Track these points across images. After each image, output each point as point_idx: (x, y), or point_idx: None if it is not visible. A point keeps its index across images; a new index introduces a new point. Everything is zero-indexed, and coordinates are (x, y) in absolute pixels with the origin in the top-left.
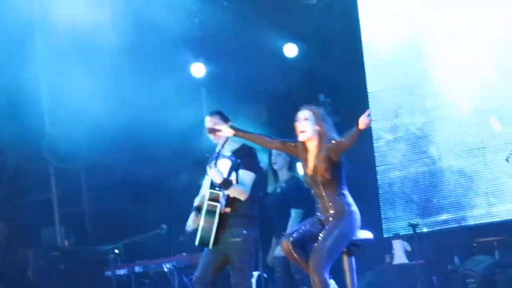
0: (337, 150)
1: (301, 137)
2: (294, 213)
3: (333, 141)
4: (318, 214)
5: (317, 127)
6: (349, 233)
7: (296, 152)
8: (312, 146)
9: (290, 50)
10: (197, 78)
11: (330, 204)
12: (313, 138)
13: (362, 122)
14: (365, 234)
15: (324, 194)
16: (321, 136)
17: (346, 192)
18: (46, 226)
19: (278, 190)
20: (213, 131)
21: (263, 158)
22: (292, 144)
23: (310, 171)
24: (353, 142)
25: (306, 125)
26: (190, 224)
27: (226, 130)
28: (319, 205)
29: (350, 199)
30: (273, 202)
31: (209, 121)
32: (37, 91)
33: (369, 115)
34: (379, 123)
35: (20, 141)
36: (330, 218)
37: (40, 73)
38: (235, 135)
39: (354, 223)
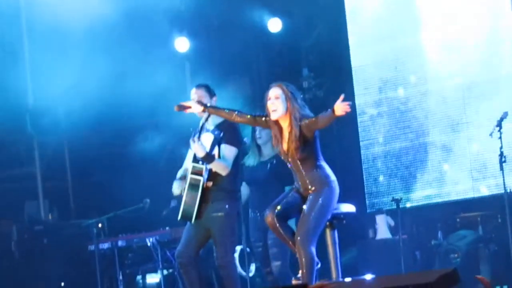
0: (310, 129)
1: (273, 116)
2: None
3: (306, 120)
4: (297, 186)
5: (288, 105)
6: (331, 204)
7: (268, 127)
8: (285, 125)
9: (274, 24)
10: (181, 53)
11: (308, 178)
12: (285, 116)
13: (339, 108)
14: (347, 208)
15: (301, 169)
16: (292, 114)
17: (323, 163)
18: (29, 199)
19: (268, 165)
20: (183, 108)
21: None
22: (263, 118)
23: (284, 149)
24: (327, 125)
25: (277, 103)
26: (175, 189)
27: (195, 107)
28: (297, 179)
29: (328, 170)
30: (260, 176)
31: (194, 94)
32: (21, 65)
33: (344, 101)
34: (362, 97)
35: (3, 115)
36: (310, 191)
37: (24, 48)
38: (204, 111)
39: (334, 193)
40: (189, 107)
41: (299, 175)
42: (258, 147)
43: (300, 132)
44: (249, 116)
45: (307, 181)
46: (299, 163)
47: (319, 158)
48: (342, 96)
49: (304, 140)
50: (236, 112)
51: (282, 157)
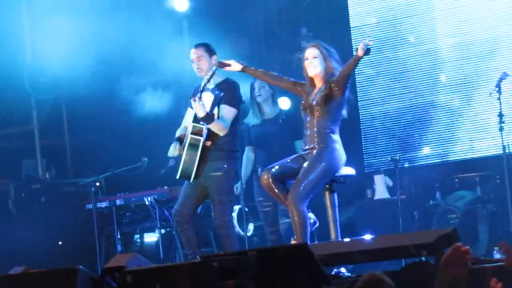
0: (339, 82)
1: (310, 72)
2: (298, 144)
3: (334, 77)
4: (303, 147)
5: (326, 64)
6: (331, 169)
7: (303, 92)
8: (317, 80)
9: None
10: (179, 12)
11: (318, 135)
12: (320, 74)
13: (361, 49)
14: (347, 170)
15: (315, 124)
16: (327, 72)
17: (336, 131)
18: (27, 158)
19: (275, 123)
20: (222, 65)
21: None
22: (300, 84)
23: (310, 100)
24: (349, 68)
25: (315, 62)
26: (172, 152)
27: (234, 65)
28: (307, 136)
29: (337, 137)
30: (263, 135)
31: (193, 54)
32: (19, 24)
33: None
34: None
35: (1, 73)
36: (314, 151)
37: (22, 6)
38: (243, 69)
39: (336, 159)
40: (229, 65)
41: (310, 132)
42: (258, 105)
43: (330, 87)
44: (288, 79)
45: (316, 139)
46: (315, 118)
47: (335, 125)
48: (367, 39)
49: (332, 94)
50: (275, 74)
51: (302, 113)
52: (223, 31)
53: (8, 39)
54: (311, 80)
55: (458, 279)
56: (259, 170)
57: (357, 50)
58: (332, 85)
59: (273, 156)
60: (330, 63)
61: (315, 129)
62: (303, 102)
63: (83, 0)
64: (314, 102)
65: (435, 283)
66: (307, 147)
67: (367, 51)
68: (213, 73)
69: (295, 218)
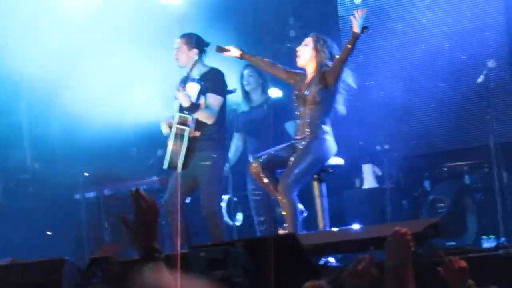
0: (334, 71)
1: (297, 62)
2: (288, 125)
3: (330, 65)
4: (294, 136)
5: (314, 53)
6: (321, 160)
7: (297, 81)
8: (310, 71)
9: None
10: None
11: (308, 126)
12: (310, 64)
13: (355, 26)
14: (335, 160)
15: (307, 115)
16: (318, 63)
17: (328, 122)
18: (15, 148)
19: (261, 110)
20: (221, 50)
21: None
22: (295, 73)
23: (303, 90)
24: (347, 51)
25: (303, 50)
26: (164, 129)
27: (234, 50)
28: (298, 125)
29: (328, 128)
30: (251, 122)
31: (175, 43)
32: None
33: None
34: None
35: None
36: (303, 141)
37: None
38: (241, 55)
39: (326, 150)
40: (228, 50)
41: (302, 121)
42: (246, 93)
43: (323, 78)
44: (281, 67)
45: (307, 130)
46: (308, 108)
47: (327, 117)
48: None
49: (324, 84)
50: (269, 62)
51: (295, 101)
52: (210, 19)
53: None
54: (304, 70)
55: (402, 262)
56: (250, 158)
57: (352, 29)
58: (325, 74)
59: (262, 142)
60: (322, 53)
61: (307, 120)
62: (296, 91)
63: None
64: (307, 93)
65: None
66: (297, 136)
67: (364, 28)
68: (195, 63)
69: (286, 207)
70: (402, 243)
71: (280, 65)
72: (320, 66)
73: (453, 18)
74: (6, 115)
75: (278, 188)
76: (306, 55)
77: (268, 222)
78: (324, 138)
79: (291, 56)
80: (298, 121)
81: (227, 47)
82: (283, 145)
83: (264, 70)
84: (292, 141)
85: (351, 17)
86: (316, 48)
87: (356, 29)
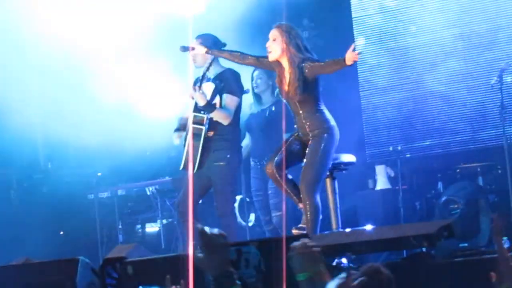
0: (314, 72)
1: (269, 57)
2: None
3: (311, 63)
4: (296, 129)
5: (283, 47)
6: (331, 150)
7: (272, 67)
8: (286, 66)
9: None
10: None
11: (308, 121)
12: (283, 58)
13: (349, 58)
14: (348, 158)
15: (300, 111)
16: (290, 56)
17: (322, 107)
18: (28, 147)
19: (267, 112)
20: (185, 49)
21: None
22: (266, 59)
23: (285, 89)
24: (333, 71)
25: (273, 45)
26: (175, 140)
27: (198, 47)
28: (296, 122)
29: (327, 115)
30: (260, 124)
31: (192, 44)
32: None
33: (355, 49)
34: (363, 48)
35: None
36: (310, 137)
37: None
38: (207, 52)
39: (334, 138)
40: (193, 48)
41: (298, 118)
42: (258, 96)
43: (301, 74)
44: (252, 57)
45: (306, 125)
46: (298, 105)
47: (319, 102)
48: (352, 45)
49: (305, 81)
50: (239, 54)
51: (284, 99)
52: (228, 23)
53: None
54: (278, 62)
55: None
56: (251, 161)
57: (344, 59)
58: (306, 73)
59: (263, 145)
60: (290, 45)
61: (302, 116)
62: (279, 89)
63: None
64: (290, 95)
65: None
66: (300, 133)
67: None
68: (211, 63)
69: (309, 208)
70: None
71: (251, 55)
72: (295, 61)
73: (466, 20)
74: (19, 114)
75: (301, 191)
76: (276, 51)
77: (272, 222)
78: (329, 127)
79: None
80: (294, 115)
81: (191, 45)
82: (289, 139)
83: (237, 63)
84: (294, 133)
85: (349, 53)
86: (285, 41)
87: (350, 63)
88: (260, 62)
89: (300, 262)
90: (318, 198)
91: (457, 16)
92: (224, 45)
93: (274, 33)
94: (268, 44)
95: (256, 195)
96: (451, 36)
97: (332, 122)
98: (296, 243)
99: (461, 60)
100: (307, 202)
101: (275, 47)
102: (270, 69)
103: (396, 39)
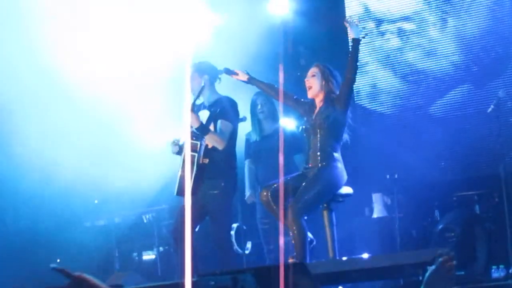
0: (341, 97)
1: (309, 94)
2: (298, 158)
3: (337, 92)
4: (305, 165)
5: (323, 83)
6: (331, 187)
7: (305, 110)
8: (318, 100)
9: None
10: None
11: (320, 153)
12: (320, 94)
13: (350, 30)
14: (345, 190)
15: (318, 143)
16: (327, 92)
17: (338, 150)
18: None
19: (272, 140)
20: (230, 72)
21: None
22: (304, 102)
23: (312, 119)
24: (352, 66)
25: (312, 81)
26: (173, 150)
27: (241, 74)
28: (310, 155)
29: (339, 156)
30: (265, 151)
31: (189, 71)
32: None
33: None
34: (359, 76)
35: None
36: (315, 168)
37: None
38: (249, 80)
39: (337, 178)
40: (236, 73)
41: (313, 150)
42: (259, 122)
43: (333, 107)
44: (291, 95)
45: (318, 158)
46: (318, 136)
47: (337, 144)
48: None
49: (334, 111)
50: (279, 89)
51: (305, 132)
52: (225, 49)
53: None
54: (313, 100)
55: None
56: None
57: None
58: (334, 102)
59: (271, 172)
60: (330, 83)
61: (318, 148)
62: (305, 122)
63: None
64: (317, 123)
65: None
66: (309, 165)
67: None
68: (202, 89)
69: (295, 233)
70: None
71: (289, 93)
72: (329, 95)
73: (464, 48)
74: (17, 142)
75: (288, 214)
76: (316, 86)
77: (277, 251)
78: (335, 166)
79: (300, 85)
80: (309, 150)
81: (236, 70)
82: (294, 174)
83: (272, 97)
84: (304, 170)
85: (345, 24)
86: (324, 78)
87: (355, 35)
88: (297, 101)
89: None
90: (304, 222)
91: (456, 44)
92: (220, 72)
93: (313, 70)
94: (307, 80)
95: (262, 222)
96: (449, 64)
97: (341, 164)
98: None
99: (458, 88)
100: (293, 228)
101: (315, 82)
102: (302, 111)
103: (393, 67)
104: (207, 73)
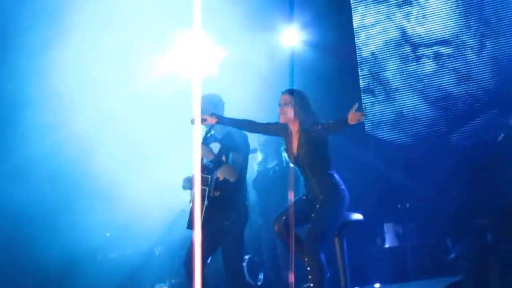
0: (322, 134)
1: (280, 119)
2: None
3: (318, 126)
4: (306, 193)
5: (296, 110)
6: (340, 213)
7: (279, 134)
8: (294, 130)
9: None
10: None
11: (318, 185)
12: (294, 122)
13: (352, 119)
14: (355, 216)
15: (310, 176)
16: (301, 120)
17: (332, 172)
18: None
19: (271, 172)
20: (197, 122)
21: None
22: (275, 126)
23: (294, 154)
24: (338, 132)
25: (285, 109)
26: (186, 186)
27: (209, 118)
28: (307, 186)
29: (337, 178)
30: (265, 182)
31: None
32: None
33: (358, 111)
34: (370, 104)
35: None
36: (320, 198)
37: None
38: (217, 122)
39: (343, 201)
40: (205, 120)
41: (308, 183)
42: (265, 154)
43: (310, 137)
44: (262, 125)
45: (316, 188)
46: (308, 170)
47: (329, 166)
48: (355, 106)
49: (315, 144)
50: (246, 121)
51: (291, 164)
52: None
53: None
54: (288, 126)
55: None
56: (259, 220)
57: (346, 119)
58: (315, 136)
59: (270, 204)
60: (302, 109)
61: (312, 180)
62: (286, 154)
63: None
64: (300, 161)
65: None
66: (310, 196)
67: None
68: (213, 124)
69: (312, 266)
70: None
71: (260, 123)
72: (306, 125)
73: (473, 76)
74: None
75: (305, 250)
76: (288, 114)
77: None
78: (339, 191)
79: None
80: (304, 180)
81: (204, 116)
82: (299, 200)
83: (245, 131)
84: (304, 196)
85: (352, 113)
86: (297, 106)
87: (351, 122)
88: (267, 128)
89: None
90: (322, 256)
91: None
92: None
93: (285, 98)
94: (280, 108)
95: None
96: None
97: (342, 185)
98: None
99: (468, 116)
100: (310, 261)
101: (287, 111)
102: (276, 135)
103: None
104: (219, 107)
